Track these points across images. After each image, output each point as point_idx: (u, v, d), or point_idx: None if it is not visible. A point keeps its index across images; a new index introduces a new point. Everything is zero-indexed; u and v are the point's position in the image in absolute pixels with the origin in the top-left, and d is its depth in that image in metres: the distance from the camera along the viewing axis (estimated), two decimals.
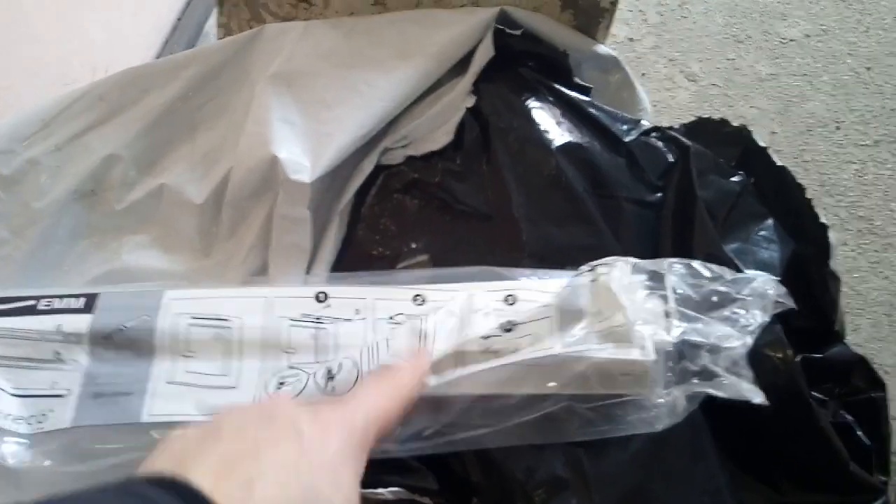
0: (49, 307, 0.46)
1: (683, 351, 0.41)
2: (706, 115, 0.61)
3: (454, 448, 0.41)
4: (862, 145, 1.21)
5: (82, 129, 0.56)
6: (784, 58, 1.29)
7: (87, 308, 0.45)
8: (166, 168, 0.57)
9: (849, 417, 0.49)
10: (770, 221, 0.54)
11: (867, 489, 0.46)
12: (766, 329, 0.42)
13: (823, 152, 1.19)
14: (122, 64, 0.59)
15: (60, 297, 0.46)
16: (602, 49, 0.63)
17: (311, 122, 0.53)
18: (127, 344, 0.44)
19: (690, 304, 0.42)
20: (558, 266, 0.48)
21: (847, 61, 1.29)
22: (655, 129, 0.58)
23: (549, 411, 0.41)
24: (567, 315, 0.43)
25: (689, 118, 0.62)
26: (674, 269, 0.44)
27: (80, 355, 0.44)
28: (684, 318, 0.42)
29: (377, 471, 0.40)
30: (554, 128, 0.55)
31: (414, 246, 0.53)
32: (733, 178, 0.55)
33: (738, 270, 0.49)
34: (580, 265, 0.45)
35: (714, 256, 0.49)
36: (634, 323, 0.40)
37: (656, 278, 0.43)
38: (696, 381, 0.40)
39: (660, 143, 0.57)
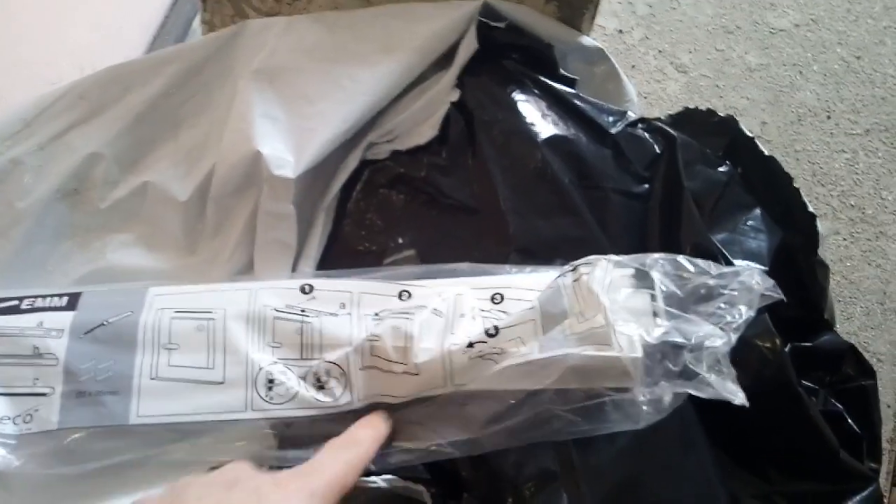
0: (32, 306, 0.45)
1: (665, 350, 0.41)
2: (697, 107, 0.61)
3: (435, 458, 0.42)
4: (853, 134, 1.21)
5: (64, 128, 0.56)
6: (774, 48, 1.29)
7: (70, 306, 0.45)
8: (149, 166, 0.57)
9: (839, 406, 0.49)
10: (758, 211, 0.53)
11: (858, 477, 0.46)
12: (754, 319, 0.42)
13: (814, 142, 1.19)
14: (109, 63, 0.58)
15: (44, 296, 0.46)
16: (587, 40, 0.62)
17: (294, 117, 0.53)
18: (109, 339, 0.44)
19: (674, 300, 0.42)
20: (546, 259, 0.48)
21: (837, 50, 1.29)
22: (642, 120, 0.57)
23: (528, 416, 0.41)
24: (550, 317, 0.43)
25: (680, 109, 0.61)
26: (658, 265, 0.43)
27: (58, 349, 0.43)
28: (668, 315, 0.42)
29: None
30: (539, 120, 0.54)
31: (400, 241, 0.53)
32: (720, 169, 0.55)
33: (727, 260, 0.49)
34: (568, 257, 0.45)
35: (701, 247, 0.49)
36: (615, 323, 0.40)
37: (640, 275, 0.43)
38: (677, 380, 0.40)
39: (646, 135, 0.56)
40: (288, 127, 0.53)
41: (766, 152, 0.56)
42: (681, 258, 0.44)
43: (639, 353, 0.40)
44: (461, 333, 0.43)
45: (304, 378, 0.43)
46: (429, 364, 0.42)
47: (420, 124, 0.56)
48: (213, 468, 0.37)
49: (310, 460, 0.38)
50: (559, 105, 0.56)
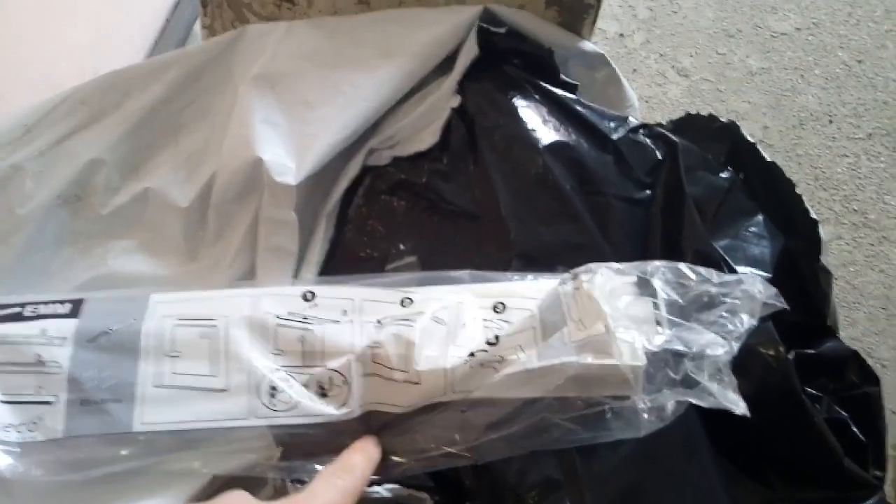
0: (35, 313, 0.45)
1: (667, 358, 0.40)
2: (698, 111, 0.61)
3: (434, 466, 0.42)
4: (855, 138, 1.21)
5: (65, 133, 0.56)
6: (775, 51, 1.29)
7: (73, 313, 0.45)
8: (150, 172, 0.57)
9: (843, 413, 0.49)
10: (760, 217, 0.53)
11: (862, 485, 0.46)
12: (757, 326, 0.42)
13: (816, 146, 1.18)
14: (109, 67, 0.58)
15: (46, 302, 0.46)
16: (588, 45, 0.62)
17: (294, 123, 0.53)
18: (113, 347, 0.44)
19: (676, 308, 0.42)
20: (547, 265, 0.48)
21: (838, 54, 1.29)
22: (643, 125, 0.57)
23: (528, 424, 0.41)
24: (549, 325, 0.43)
25: (681, 113, 0.61)
26: (659, 273, 0.43)
27: (62, 358, 0.43)
28: (669, 323, 0.41)
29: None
30: (540, 126, 0.54)
31: (402, 247, 0.53)
32: (722, 174, 0.55)
33: (729, 267, 0.49)
34: (569, 264, 0.45)
35: (704, 253, 0.49)
36: (616, 330, 0.40)
37: (641, 282, 0.43)
38: (679, 388, 0.40)
39: (647, 140, 0.56)
40: (289, 133, 0.53)
41: (768, 158, 0.56)
42: (682, 266, 0.43)
43: (642, 362, 0.40)
44: (463, 343, 0.43)
45: (306, 386, 0.43)
46: (430, 373, 0.42)
47: (421, 130, 0.56)
48: (216, 477, 0.37)
49: (305, 488, 0.38)
50: (560, 111, 0.56)
